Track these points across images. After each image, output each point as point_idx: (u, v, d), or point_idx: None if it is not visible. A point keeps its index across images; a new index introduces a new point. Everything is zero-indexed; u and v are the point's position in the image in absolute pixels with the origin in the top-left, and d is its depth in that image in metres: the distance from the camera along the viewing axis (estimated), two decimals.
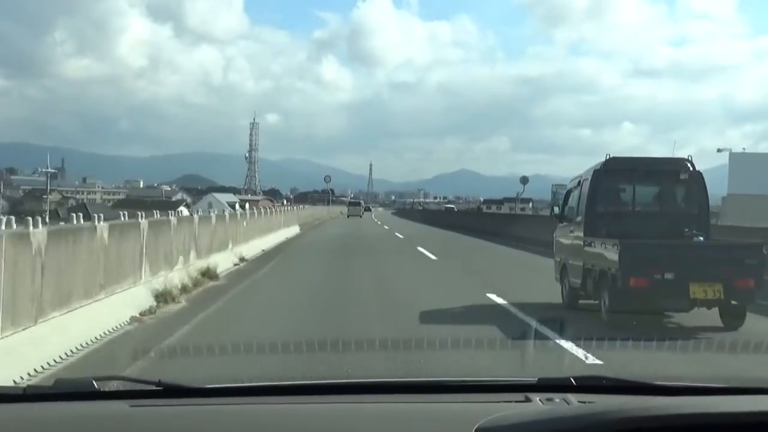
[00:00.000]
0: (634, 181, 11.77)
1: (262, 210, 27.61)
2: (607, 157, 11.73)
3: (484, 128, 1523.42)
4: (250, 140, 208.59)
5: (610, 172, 11.59)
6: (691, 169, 11.56)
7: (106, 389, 2.41)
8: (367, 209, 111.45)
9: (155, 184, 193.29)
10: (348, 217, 76.74)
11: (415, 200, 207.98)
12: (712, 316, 10.21)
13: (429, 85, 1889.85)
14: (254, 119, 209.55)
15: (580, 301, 11.60)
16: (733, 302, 9.94)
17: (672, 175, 11.62)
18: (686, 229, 11.12)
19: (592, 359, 7.52)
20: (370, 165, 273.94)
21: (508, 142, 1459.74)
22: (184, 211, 23.12)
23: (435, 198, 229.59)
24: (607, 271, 10.23)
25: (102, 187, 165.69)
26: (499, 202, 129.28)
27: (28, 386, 2.47)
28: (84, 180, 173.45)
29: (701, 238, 11.00)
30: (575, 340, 7.94)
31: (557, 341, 7.93)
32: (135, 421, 2.18)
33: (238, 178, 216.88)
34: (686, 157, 11.79)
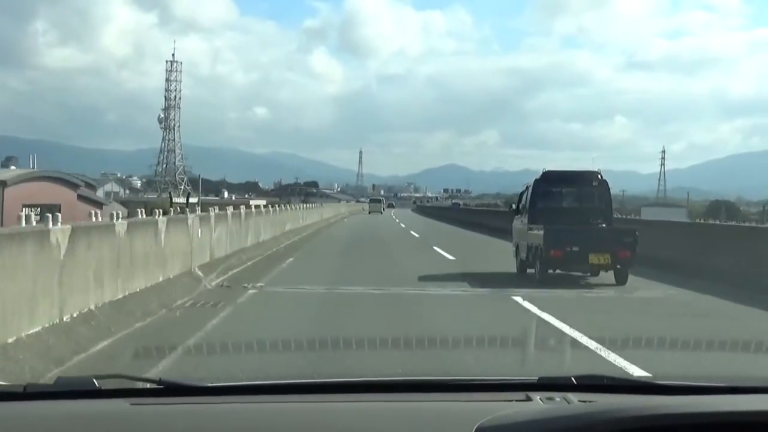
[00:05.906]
0: (562, 186, 17.32)
1: None
2: (544, 170, 17.23)
3: (474, 122, 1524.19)
4: (166, 91, 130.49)
5: (545, 180, 17.08)
6: (600, 178, 17.07)
7: (107, 387, 2.41)
8: (390, 206, 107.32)
9: (123, 176, 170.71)
10: (369, 213, 76.80)
11: (415, 194, 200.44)
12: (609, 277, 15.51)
13: (419, 78, 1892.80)
14: (173, 55, 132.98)
15: (528, 270, 16.95)
16: (618, 267, 15.31)
17: (587, 182, 17.12)
18: (591, 219, 16.62)
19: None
20: (360, 153, 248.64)
21: (497, 137, 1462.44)
22: None
23: (447, 191, 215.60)
24: (539, 246, 15.58)
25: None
26: None
27: (29, 384, 2.43)
28: None
29: (603, 225, 16.52)
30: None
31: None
32: (136, 419, 2.18)
33: (226, 171, 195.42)
34: (597, 170, 17.26)
